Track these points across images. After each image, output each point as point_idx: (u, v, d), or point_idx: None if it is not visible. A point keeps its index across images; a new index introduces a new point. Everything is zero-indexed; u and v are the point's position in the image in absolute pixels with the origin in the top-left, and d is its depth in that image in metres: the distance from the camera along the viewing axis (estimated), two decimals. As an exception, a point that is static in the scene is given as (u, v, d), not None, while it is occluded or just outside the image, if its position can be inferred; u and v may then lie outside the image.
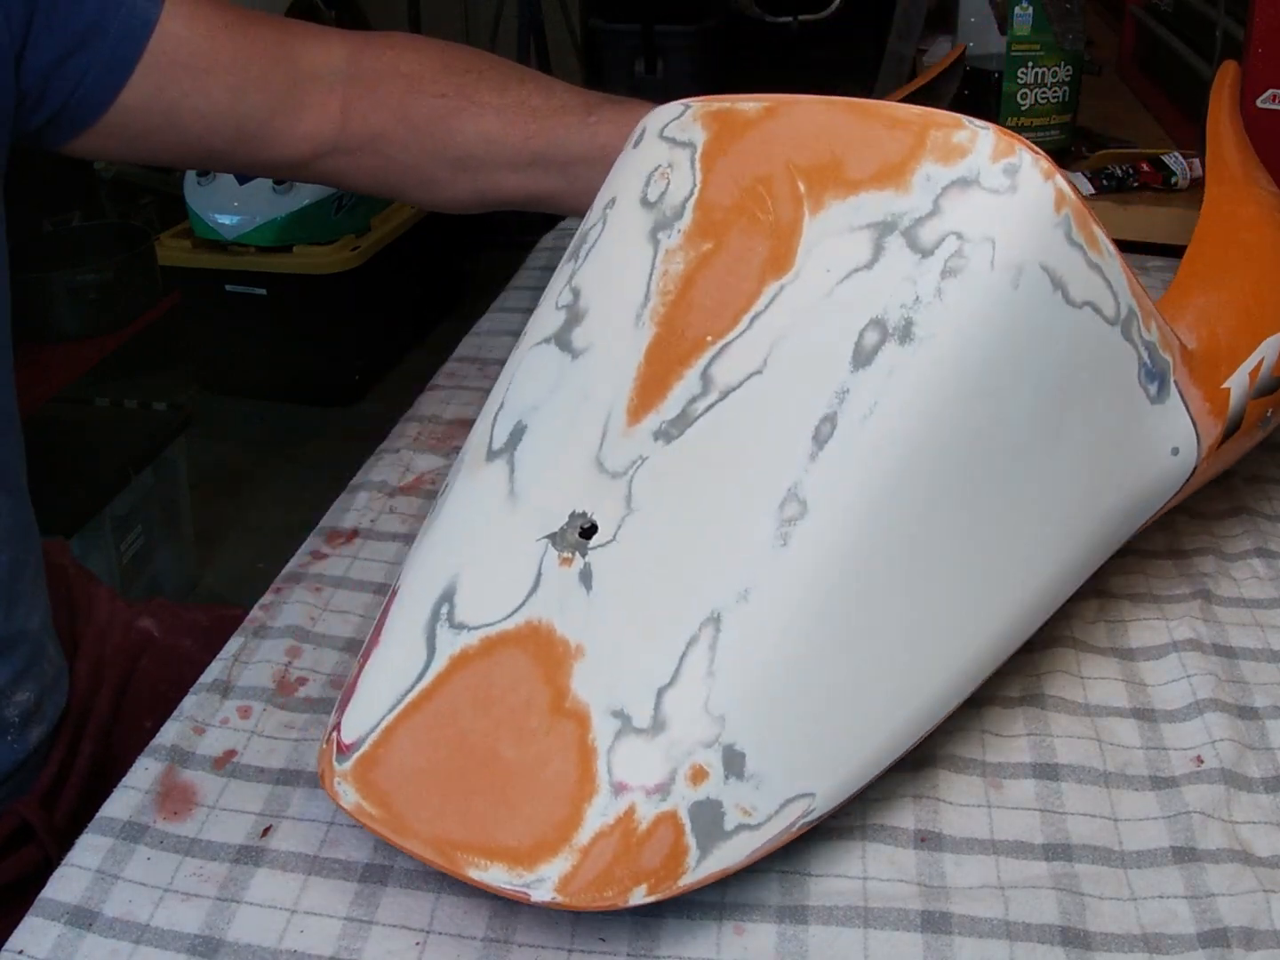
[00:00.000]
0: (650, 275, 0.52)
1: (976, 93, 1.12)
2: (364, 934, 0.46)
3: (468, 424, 0.78)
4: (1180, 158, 1.11)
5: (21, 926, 0.46)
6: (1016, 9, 1.08)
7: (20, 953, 0.45)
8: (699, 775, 0.44)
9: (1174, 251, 0.99)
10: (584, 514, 0.49)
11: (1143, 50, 1.38)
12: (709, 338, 0.49)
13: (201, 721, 0.55)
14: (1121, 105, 1.34)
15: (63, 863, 0.49)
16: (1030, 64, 1.10)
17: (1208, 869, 0.48)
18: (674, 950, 0.45)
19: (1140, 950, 0.45)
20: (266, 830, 0.50)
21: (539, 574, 0.48)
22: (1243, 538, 0.66)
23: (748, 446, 0.47)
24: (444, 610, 0.49)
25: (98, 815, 0.51)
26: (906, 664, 0.48)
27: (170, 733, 0.54)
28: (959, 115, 0.49)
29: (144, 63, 0.66)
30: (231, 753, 0.54)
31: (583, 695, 0.45)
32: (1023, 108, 1.12)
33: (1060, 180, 0.48)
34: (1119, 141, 1.21)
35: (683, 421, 0.48)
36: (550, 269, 0.97)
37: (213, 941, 0.46)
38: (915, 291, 0.47)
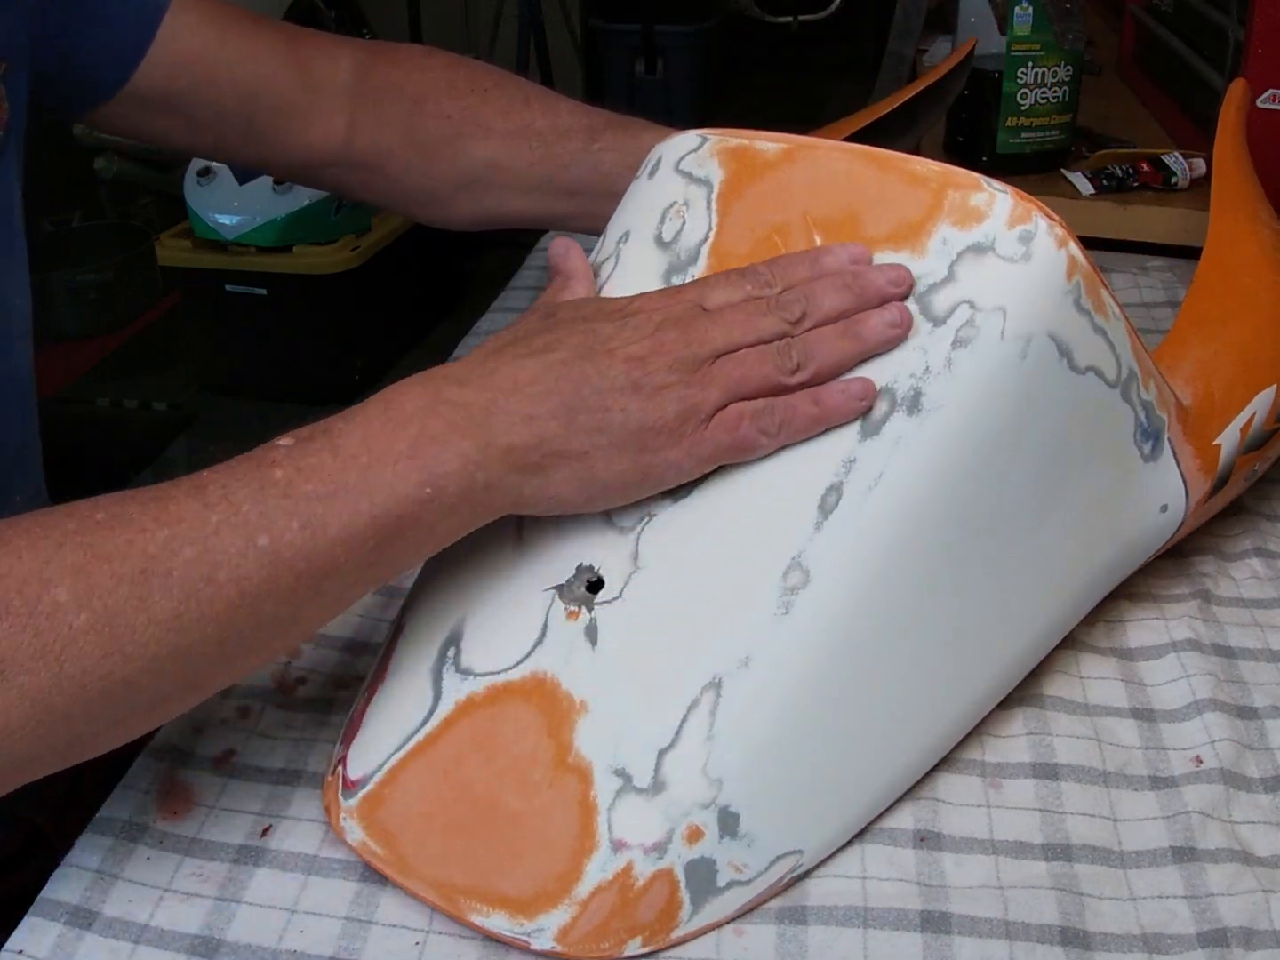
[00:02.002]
0: None
1: (976, 93, 1.12)
2: (364, 934, 0.46)
3: (467, 424, 0.78)
4: (1180, 158, 1.11)
5: (21, 926, 0.46)
6: (1016, 9, 1.08)
7: (20, 952, 0.45)
8: (695, 835, 0.45)
9: (1174, 251, 0.99)
10: (590, 567, 0.49)
11: (1143, 50, 1.38)
12: None
13: (201, 721, 0.55)
14: (1121, 105, 1.34)
15: (63, 863, 0.49)
16: (1030, 64, 1.10)
17: (1207, 869, 0.48)
18: (674, 950, 0.46)
19: (1140, 950, 0.45)
20: (266, 830, 0.50)
21: (545, 625, 0.49)
22: (1242, 538, 0.66)
23: (754, 511, 0.48)
24: (450, 653, 0.50)
25: (97, 815, 0.51)
26: (898, 726, 0.49)
27: (170, 732, 0.54)
28: (977, 175, 0.49)
29: (155, 48, 0.66)
30: (231, 752, 0.54)
31: (586, 752, 0.46)
32: (1023, 108, 1.12)
33: (1073, 247, 0.48)
34: (1119, 141, 1.21)
35: (691, 480, 0.49)
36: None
37: (212, 941, 0.46)
38: (925, 361, 0.47)
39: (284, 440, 0.44)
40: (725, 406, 0.47)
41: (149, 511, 0.41)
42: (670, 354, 0.47)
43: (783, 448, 0.48)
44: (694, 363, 0.47)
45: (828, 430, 0.48)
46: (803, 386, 0.48)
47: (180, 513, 0.41)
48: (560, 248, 0.54)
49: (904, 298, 0.48)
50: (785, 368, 0.48)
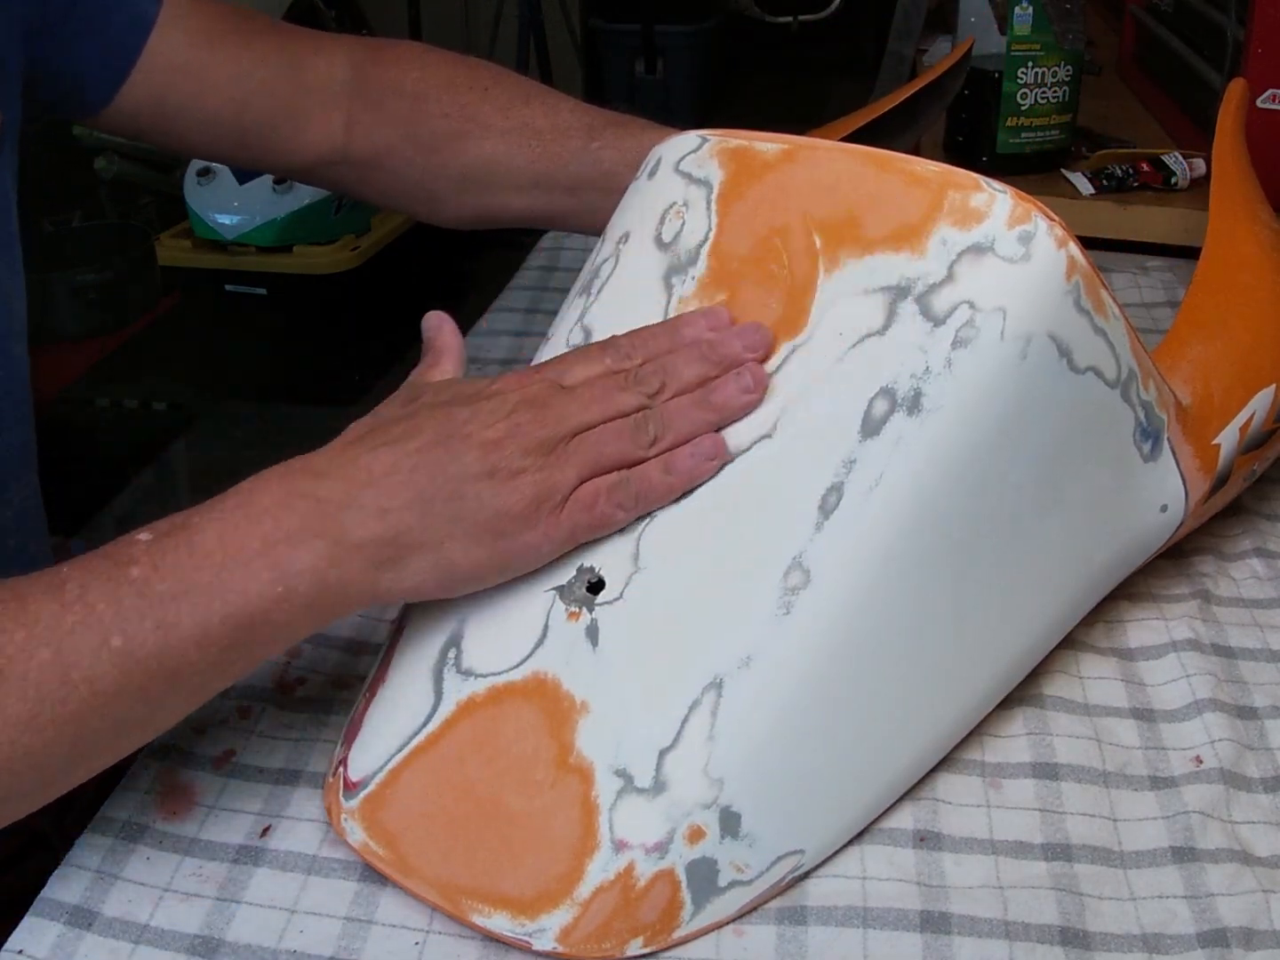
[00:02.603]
0: None
1: (976, 93, 1.12)
2: (364, 934, 0.46)
3: (467, 424, 0.78)
4: (1180, 158, 1.11)
5: (21, 926, 0.46)
6: (1016, 9, 1.08)
7: (20, 952, 0.45)
8: (696, 835, 0.45)
9: (1174, 251, 0.99)
10: (591, 568, 0.49)
11: (1143, 50, 1.38)
12: None
13: (201, 721, 0.55)
14: (1121, 105, 1.34)
15: (63, 862, 0.49)
16: (1030, 64, 1.10)
17: (1207, 869, 0.48)
18: (674, 950, 0.46)
19: (1140, 950, 0.45)
20: (266, 830, 0.50)
21: (546, 626, 0.49)
22: (1242, 538, 0.66)
23: (755, 512, 0.48)
24: (451, 654, 0.50)
25: (97, 815, 0.51)
26: (899, 726, 0.49)
27: (170, 733, 0.54)
28: (977, 176, 0.49)
29: (144, 60, 0.66)
30: (231, 752, 0.54)
31: (587, 753, 0.46)
32: (1023, 108, 1.12)
33: (1073, 247, 0.48)
34: (1119, 141, 1.21)
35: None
36: (550, 269, 0.98)
37: (212, 941, 0.46)
38: (926, 361, 0.47)
39: (143, 534, 0.44)
40: (582, 484, 0.47)
41: (8, 611, 0.41)
42: (526, 436, 0.47)
43: (782, 449, 0.48)
44: (550, 443, 0.47)
45: (828, 430, 0.48)
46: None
47: (38, 613, 0.41)
48: (434, 321, 0.55)
49: (763, 360, 0.50)
50: (642, 442, 0.48)
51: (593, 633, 0.48)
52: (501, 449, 0.46)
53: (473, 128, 0.72)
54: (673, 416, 0.49)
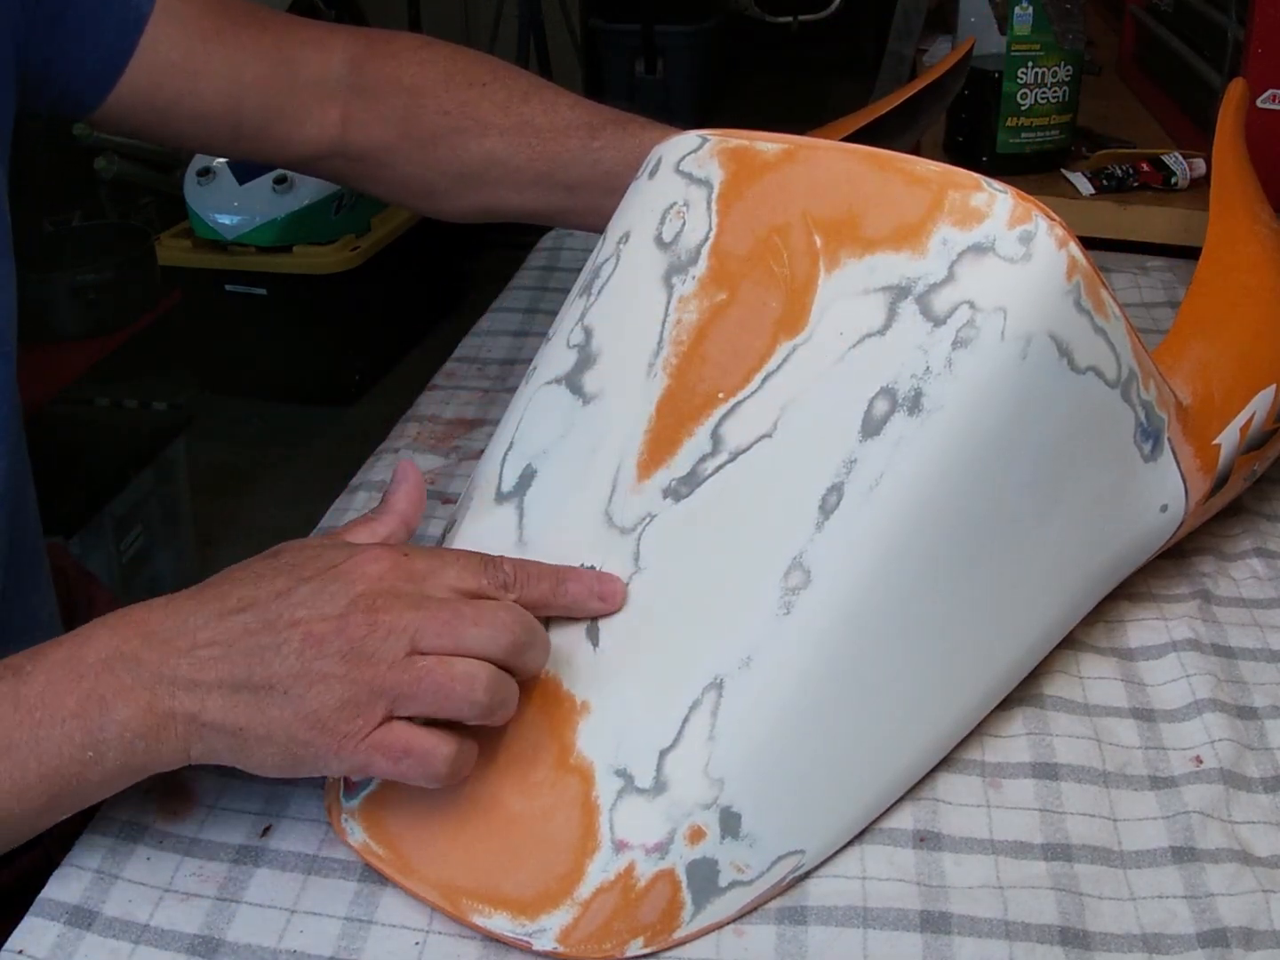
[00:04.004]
0: (664, 323, 0.52)
1: (976, 93, 1.12)
2: (364, 934, 0.46)
3: (467, 424, 0.78)
4: (1180, 158, 1.11)
5: (21, 926, 0.46)
6: (1016, 9, 1.08)
7: (20, 952, 0.45)
8: (697, 835, 0.45)
9: (1174, 251, 0.99)
10: (592, 568, 0.49)
11: (1143, 50, 1.38)
12: (720, 394, 0.50)
13: (201, 721, 0.55)
14: (1121, 105, 1.34)
15: (63, 862, 0.49)
16: (1030, 64, 1.10)
17: (1207, 869, 0.48)
18: (674, 951, 0.46)
19: (1140, 950, 0.45)
20: (266, 830, 0.50)
21: (547, 626, 0.49)
22: (1242, 538, 0.66)
23: (755, 512, 0.48)
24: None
25: (97, 814, 0.51)
26: (899, 726, 0.49)
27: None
28: (977, 176, 0.49)
29: (137, 60, 0.66)
30: (231, 753, 0.53)
31: (587, 753, 0.46)
32: (1023, 108, 1.12)
33: (1073, 247, 0.48)
34: (1119, 141, 1.21)
35: (692, 480, 0.49)
36: (550, 269, 0.98)
37: (212, 941, 0.46)
38: (926, 361, 0.47)
39: None
40: (394, 721, 0.44)
41: None
42: (354, 639, 0.44)
43: (782, 448, 0.48)
44: (374, 657, 0.44)
45: (829, 430, 0.48)
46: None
47: None
48: (398, 475, 0.52)
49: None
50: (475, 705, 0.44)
51: (593, 633, 0.48)
52: (322, 647, 0.44)
53: (471, 125, 0.71)
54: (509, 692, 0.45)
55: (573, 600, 0.48)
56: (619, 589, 0.49)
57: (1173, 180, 1.10)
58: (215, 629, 0.45)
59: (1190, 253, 0.91)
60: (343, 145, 0.72)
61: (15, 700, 0.44)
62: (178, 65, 0.67)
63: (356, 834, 0.48)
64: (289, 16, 0.73)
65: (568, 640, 0.48)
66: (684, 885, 0.45)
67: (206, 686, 0.44)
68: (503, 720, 0.46)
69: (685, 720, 0.46)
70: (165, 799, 0.51)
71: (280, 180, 2.20)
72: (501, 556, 0.48)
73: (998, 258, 0.48)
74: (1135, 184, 1.11)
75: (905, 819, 0.50)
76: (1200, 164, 1.11)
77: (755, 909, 0.47)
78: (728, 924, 0.46)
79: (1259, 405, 0.59)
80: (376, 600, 0.45)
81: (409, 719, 0.44)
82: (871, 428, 0.47)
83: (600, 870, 0.45)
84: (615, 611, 0.48)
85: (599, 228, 0.60)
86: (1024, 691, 0.55)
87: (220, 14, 0.69)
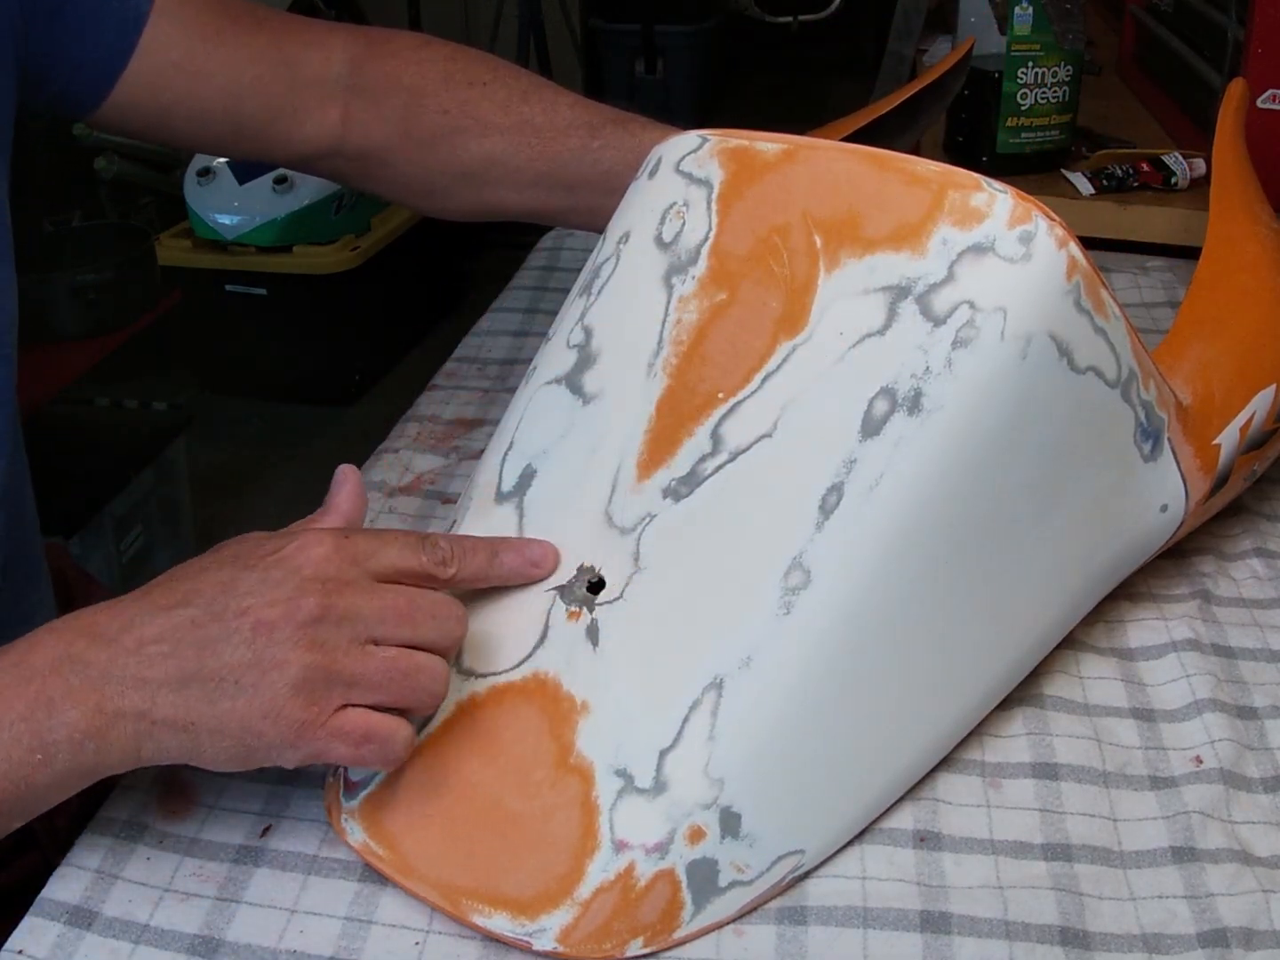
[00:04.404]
0: (664, 323, 0.52)
1: (976, 93, 1.12)
2: (364, 934, 0.46)
3: (468, 424, 0.78)
4: (1180, 158, 1.11)
5: (21, 926, 0.46)
6: (1016, 9, 1.08)
7: (20, 952, 0.45)
8: (696, 835, 0.45)
9: (1174, 251, 0.99)
10: (591, 568, 0.50)
11: (1143, 50, 1.38)
12: (720, 394, 0.50)
13: (201, 721, 0.55)
14: (1121, 105, 1.34)
15: (63, 862, 0.49)
16: (1030, 64, 1.10)
17: (1207, 869, 0.48)
18: (674, 951, 0.46)
19: (1140, 950, 0.45)
20: (266, 830, 0.50)
21: (547, 626, 0.49)
22: (1242, 538, 0.66)
23: (755, 512, 0.48)
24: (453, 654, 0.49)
25: (97, 815, 0.51)
26: (899, 727, 0.49)
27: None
28: (977, 176, 0.49)
29: (136, 61, 0.66)
30: (231, 753, 0.53)
31: (587, 753, 0.46)
32: (1023, 108, 1.12)
33: (1073, 247, 0.48)
34: (1119, 141, 1.21)
35: (692, 480, 0.49)
36: (550, 269, 0.98)
37: (212, 941, 0.46)
38: (926, 361, 0.47)
39: None
40: (349, 708, 0.44)
41: None
42: (303, 624, 0.44)
43: (782, 448, 0.48)
44: (327, 641, 0.44)
45: (829, 430, 0.48)
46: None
47: None
48: (339, 476, 0.51)
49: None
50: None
51: (593, 633, 0.48)
52: (273, 634, 0.43)
53: (471, 124, 0.71)
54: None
55: (509, 570, 0.50)
56: (550, 553, 0.50)
57: (1173, 180, 1.10)
58: (161, 624, 0.44)
59: (1190, 253, 0.91)
60: (342, 144, 0.72)
61: None
62: (177, 65, 0.67)
63: (356, 834, 0.48)
64: (288, 16, 0.73)
65: (568, 640, 0.48)
66: (684, 885, 0.45)
67: (155, 683, 0.43)
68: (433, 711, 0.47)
69: (685, 720, 0.46)
70: (165, 799, 0.51)
71: (280, 180, 2.20)
72: (438, 533, 0.49)
73: (998, 258, 0.48)
74: (1135, 184, 1.11)
75: (905, 819, 0.50)
76: (1200, 164, 1.11)
77: (755, 909, 0.47)
78: (728, 924, 0.46)
79: (1259, 405, 0.59)
80: (326, 584, 0.45)
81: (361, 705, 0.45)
82: (871, 428, 0.47)
83: (600, 870, 0.45)
84: (548, 575, 0.50)
85: (599, 228, 0.60)
86: (1024, 691, 0.55)
87: (220, 14, 0.69)
